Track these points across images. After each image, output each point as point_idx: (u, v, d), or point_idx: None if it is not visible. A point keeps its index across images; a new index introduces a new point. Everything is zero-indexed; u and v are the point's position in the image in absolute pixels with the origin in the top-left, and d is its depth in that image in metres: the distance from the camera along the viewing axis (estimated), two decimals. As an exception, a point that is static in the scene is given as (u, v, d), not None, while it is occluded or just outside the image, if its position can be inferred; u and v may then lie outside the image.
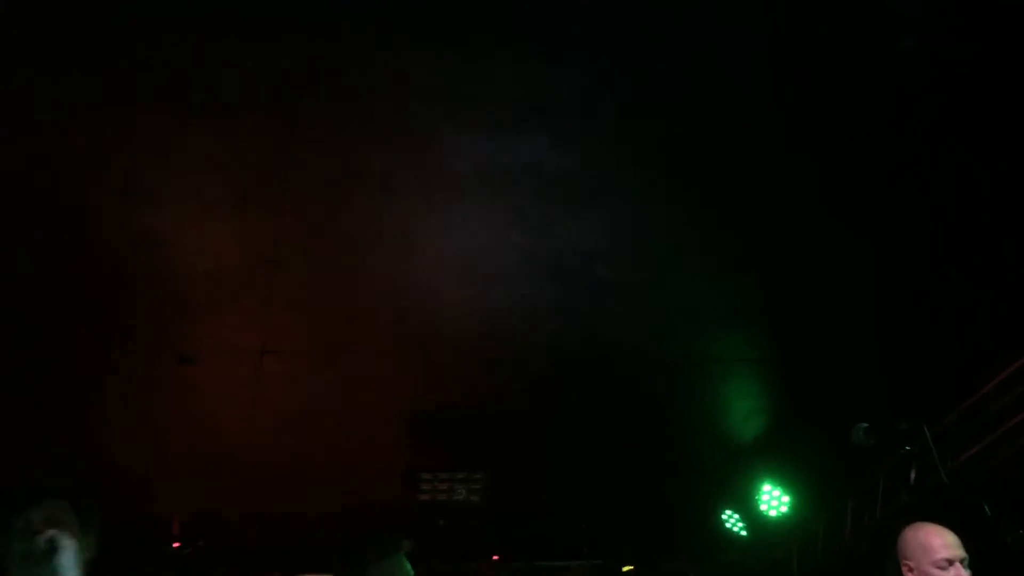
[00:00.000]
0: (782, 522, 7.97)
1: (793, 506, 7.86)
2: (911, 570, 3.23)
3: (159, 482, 7.16)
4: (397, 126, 4.55)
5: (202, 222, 4.95)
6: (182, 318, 5.74)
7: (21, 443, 6.09)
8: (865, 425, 3.68)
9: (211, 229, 5.00)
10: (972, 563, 3.22)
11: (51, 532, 2.34)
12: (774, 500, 7.89)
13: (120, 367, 5.98)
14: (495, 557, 8.77)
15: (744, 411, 7.14)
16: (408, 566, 3.86)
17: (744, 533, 8.45)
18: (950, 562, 3.17)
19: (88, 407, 6.24)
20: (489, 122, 4.55)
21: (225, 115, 4.31)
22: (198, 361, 5.98)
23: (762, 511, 7.97)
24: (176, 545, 8.06)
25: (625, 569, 8.92)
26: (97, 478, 5.90)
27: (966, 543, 3.23)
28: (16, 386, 5.87)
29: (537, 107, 4.45)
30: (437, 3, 3.94)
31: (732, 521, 8.48)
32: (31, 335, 5.56)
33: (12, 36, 3.81)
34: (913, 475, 5.69)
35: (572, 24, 4.01)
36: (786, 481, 7.82)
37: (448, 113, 4.49)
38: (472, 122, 4.55)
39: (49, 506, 2.49)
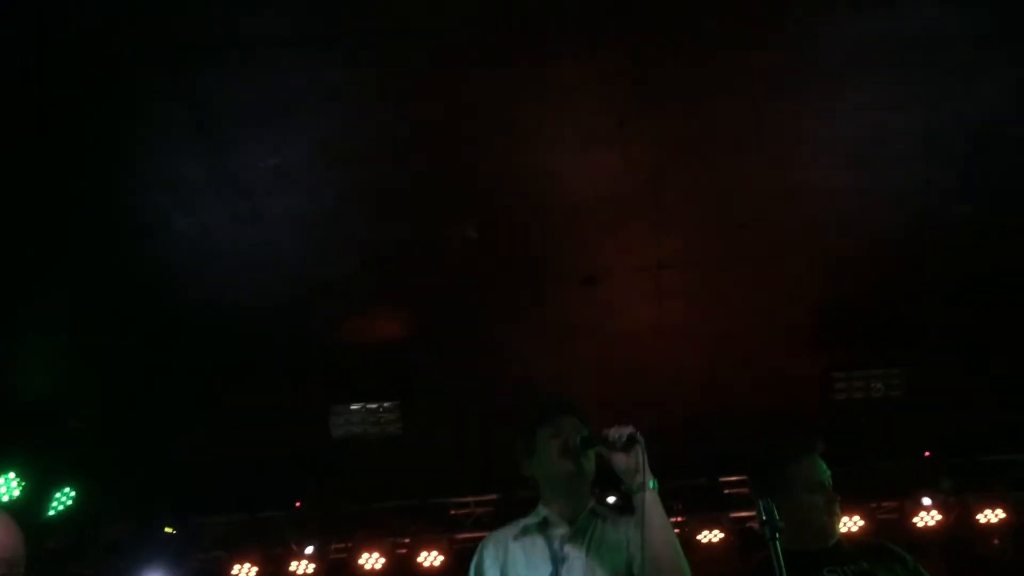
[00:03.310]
0: None
1: None
2: None
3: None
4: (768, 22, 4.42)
5: (586, 152, 5.19)
6: (582, 243, 6.07)
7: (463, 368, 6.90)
8: None
9: (595, 157, 5.22)
10: None
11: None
12: None
13: (536, 294, 6.45)
14: (927, 454, 8.31)
15: None
16: (824, 466, 3.85)
17: None
18: None
19: (515, 334, 6.81)
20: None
21: (588, 45, 4.47)
22: (601, 281, 6.31)
23: None
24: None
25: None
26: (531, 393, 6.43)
27: None
28: (463, 320, 6.60)
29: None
30: None
31: None
32: (475, 276, 6.21)
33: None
34: None
35: None
36: None
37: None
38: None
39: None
